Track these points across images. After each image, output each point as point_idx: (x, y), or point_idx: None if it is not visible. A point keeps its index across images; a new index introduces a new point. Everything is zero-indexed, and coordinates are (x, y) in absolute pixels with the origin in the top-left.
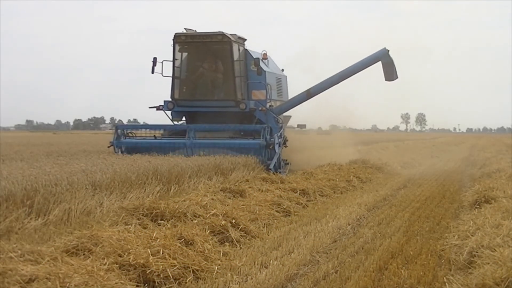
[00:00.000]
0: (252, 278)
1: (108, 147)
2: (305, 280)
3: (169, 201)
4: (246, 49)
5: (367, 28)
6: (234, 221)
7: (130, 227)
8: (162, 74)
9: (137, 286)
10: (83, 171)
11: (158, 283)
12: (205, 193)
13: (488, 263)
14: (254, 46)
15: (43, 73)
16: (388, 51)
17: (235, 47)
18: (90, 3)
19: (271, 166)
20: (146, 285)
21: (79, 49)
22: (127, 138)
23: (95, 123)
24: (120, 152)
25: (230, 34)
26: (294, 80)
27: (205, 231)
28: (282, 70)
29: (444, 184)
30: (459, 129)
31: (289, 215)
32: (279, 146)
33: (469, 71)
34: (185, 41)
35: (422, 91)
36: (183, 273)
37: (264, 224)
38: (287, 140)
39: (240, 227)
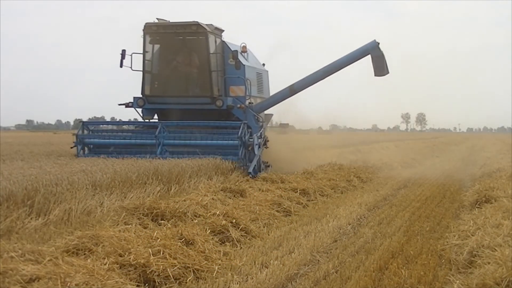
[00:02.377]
0: (252, 278)
1: (72, 147)
2: (306, 280)
3: (170, 201)
4: (223, 41)
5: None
6: (234, 221)
7: (130, 227)
8: (131, 68)
9: (137, 285)
10: (83, 171)
11: (158, 283)
12: (205, 193)
13: (489, 263)
14: (253, 47)
15: (44, 73)
16: (378, 43)
17: (211, 38)
18: (90, 3)
19: (251, 169)
20: (147, 284)
21: (79, 49)
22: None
23: None
24: (83, 153)
25: (206, 25)
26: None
27: (206, 231)
28: (263, 64)
29: (444, 184)
30: (460, 129)
31: (290, 215)
32: (259, 147)
33: (469, 70)
34: (156, 32)
35: (422, 91)
36: (183, 273)
37: (265, 224)
38: (267, 141)
39: (241, 227)
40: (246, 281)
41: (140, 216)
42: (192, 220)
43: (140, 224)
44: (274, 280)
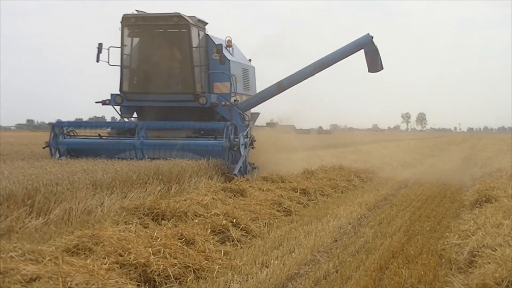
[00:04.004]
0: (253, 278)
1: (44, 148)
2: (306, 280)
3: (170, 200)
4: (207, 35)
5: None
6: (235, 220)
7: (131, 227)
8: (108, 62)
9: (138, 285)
10: (84, 170)
11: (159, 282)
12: (206, 193)
13: (489, 263)
14: (246, 45)
15: (44, 72)
16: (372, 37)
17: (194, 31)
18: (91, 2)
19: (236, 171)
20: (147, 284)
21: (80, 48)
22: (67, 138)
23: None
24: (58, 155)
25: (189, 16)
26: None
27: (206, 230)
28: (250, 60)
29: (445, 184)
30: (460, 129)
31: (290, 215)
32: (245, 147)
33: (469, 70)
34: (135, 24)
35: (423, 91)
36: (184, 273)
37: (265, 223)
38: (254, 141)
39: (241, 226)
40: (247, 280)
41: (140, 216)
42: (193, 219)
43: (140, 224)
44: (275, 280)
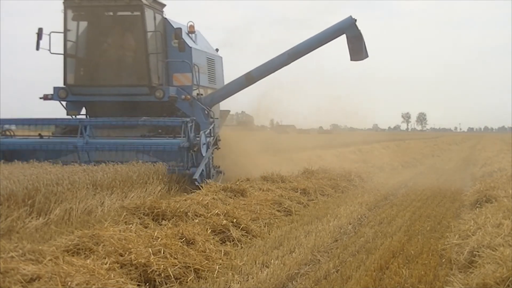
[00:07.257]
0: (253, 278)
1: None
2: (306, 280)
3: (170, 200)
4: (165, 18)
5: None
6: (235, 220)
7: (131, 227)
8: (50, 50)
9: (138, 285)
10: (84, 170)
11: (159, 282)
12: (206, 193)
13: (489, 263)
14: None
15: (44, 71)
16: (355, 20)
17: (148, 13)
18: None
19: (197, 175)
20: (147, 284)
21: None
22: (2, 138)
23: None
24: None
25: None
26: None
27: (206, 230)
28: (217, 50)
29: (445, 184)
30: (460, 128)
31: (290, 215)
32: (208, 148)
33: (470, 70)
34: (80, 5)
35: (423, 91)
36: (184, 273)
37: (265, 223)
38: (219, 140)
39: (241, 226)
40: (247, 280)
41: (140, 216)
42: (193, 219)
43: (140, 224)
44: (275, 280)
